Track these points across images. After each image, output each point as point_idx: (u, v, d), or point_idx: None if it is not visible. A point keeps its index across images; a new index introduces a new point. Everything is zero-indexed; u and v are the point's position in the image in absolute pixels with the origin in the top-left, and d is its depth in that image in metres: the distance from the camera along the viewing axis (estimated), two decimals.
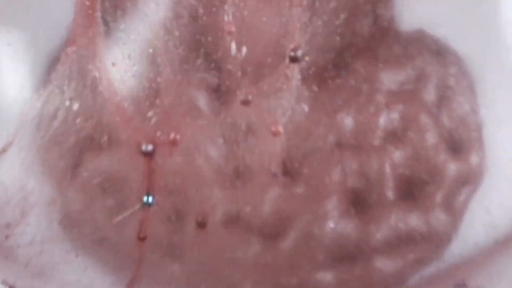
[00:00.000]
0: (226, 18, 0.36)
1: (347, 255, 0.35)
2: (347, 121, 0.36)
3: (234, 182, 0.35)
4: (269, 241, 0.35)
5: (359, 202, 0.36)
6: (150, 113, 0.35)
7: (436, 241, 0.35)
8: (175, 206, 0.35)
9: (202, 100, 0.35)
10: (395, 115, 0.36)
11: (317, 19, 0.35)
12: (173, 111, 0.35)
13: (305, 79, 0.36)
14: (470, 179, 0.36)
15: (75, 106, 0.35)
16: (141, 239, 0.35)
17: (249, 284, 0.36)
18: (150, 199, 0.35)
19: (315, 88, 0.36)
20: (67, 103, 0.35)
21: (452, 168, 0.35)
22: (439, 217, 0.35)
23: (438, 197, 0.35)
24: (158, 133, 0.34)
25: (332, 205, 0.35)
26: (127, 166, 0.35)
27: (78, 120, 0.35)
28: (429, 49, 0.37)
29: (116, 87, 0.35)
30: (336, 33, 0.36)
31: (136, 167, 0.35)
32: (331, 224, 0.35)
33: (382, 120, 0.36)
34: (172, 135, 0.35)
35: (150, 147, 0.34)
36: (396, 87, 0.37)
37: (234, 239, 0.35)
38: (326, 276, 0.35)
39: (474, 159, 0.36)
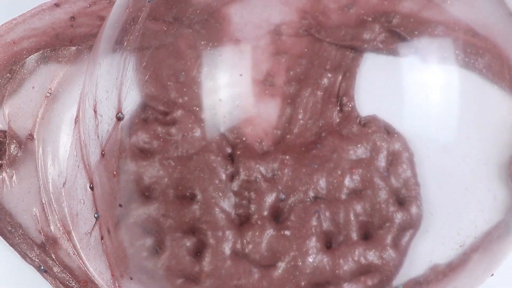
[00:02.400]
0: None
1: (322, 282, 0.42)
2: (321, 181, 0.43)
3: (240, 226, 0.43)
4: (265, 271, 0.42)
5: (331, 242, 0.43)
6: None
7: (387, 272, 0.43)
8: (198, 241, 0.43)
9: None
10: (356, 177, 0.44)
11: (304, 113, 0.44)
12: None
13: (290, 150, 0.44)
14: (411, 225, 0.43)
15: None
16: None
17: None
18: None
19: (298, 156, 0.43)
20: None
21: (398, 217, 0.43)
22: (389, 253, 0.43)
23: (389, 238, 0.43)
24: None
25: (312, 243, 0.42)
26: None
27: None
28: (380, 129, 0.45)
29: None
30: (315, 120, 0.45)
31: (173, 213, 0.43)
32: (310, 259, 0.42)
33: (347, 181, 0.44)
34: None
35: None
36: (356, 156, 0.44)
37: (239, 269, 0.42)
38: None
39: (414, 210, 0.44)
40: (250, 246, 0.42)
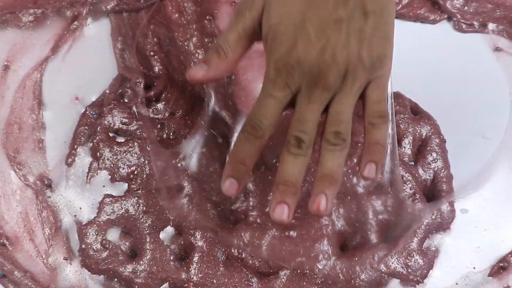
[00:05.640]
0: None
1: None
2: None
3: (235, 225, 0.36)
4: (265, 281, 0.36)
5: (346, 244, 0.37)
6: None
7: (412, 281, 0.36)
8: (185, 244, 0.36)
9: None
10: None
11: None
12: None
13: None
14: (442, 226, 0.37)
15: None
16: None
17: None
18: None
19: None
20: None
21: (426, 215, 0.37)
22: (416, 260, 0.36)
23: (415, 241, 0.37)
24: None
25: (322, 247, 0.36)
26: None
27: None
28: (404, 108, 0.40)
29: None
30: None
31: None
32: (320, 266, 0.36)
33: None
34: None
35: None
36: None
37: (234, 278, 0.36)
38: None
39: (445, 207, 0.37)
40: (248, 250, 0.36)
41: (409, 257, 0.36)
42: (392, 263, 0.36)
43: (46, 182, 0.37)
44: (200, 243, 0.36)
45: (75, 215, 0.37)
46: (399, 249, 0.36)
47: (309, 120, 0.33)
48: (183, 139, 0.38)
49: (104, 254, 0.36)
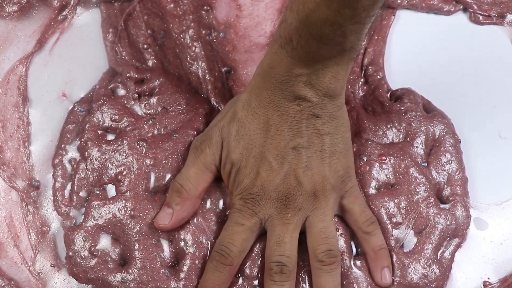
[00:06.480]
0: None
1: None
2: None
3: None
4: None
5: (358, 253, 0.35)
6: None
7: None
8: (176, 250, 0.34)
9: None
10: (386, 167, 0.35)
11: None
12: None
13: None
14: (456, 232, 0.35)
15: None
16: None
17: None
18: None
19: None
20: None
21: (440, 221, 0.34)
22: (432, 270, 0.34)
23: (430, 249, 0.34)
24: None
25: None
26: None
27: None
28: (416, 106, 0.37)
29: None
30: None
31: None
32: None
33: (375, 171, 0.35)
34: None
35: None
36: (386, 140, 0.37)
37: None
38: None
39: (460, 212, 0.35)
40: (248, 262, 0.34)
41: (426, 266, 0.34)
42: (409, 273, 0.34)
43: (32, 184, 0.35)
44: (191, 250, 0.34)
45: (63, 220, 0.35)
46: (414, 257, 0.34)
47: (287, 241, 0.33)
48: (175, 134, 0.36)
49: (93, 262, 0.33)
